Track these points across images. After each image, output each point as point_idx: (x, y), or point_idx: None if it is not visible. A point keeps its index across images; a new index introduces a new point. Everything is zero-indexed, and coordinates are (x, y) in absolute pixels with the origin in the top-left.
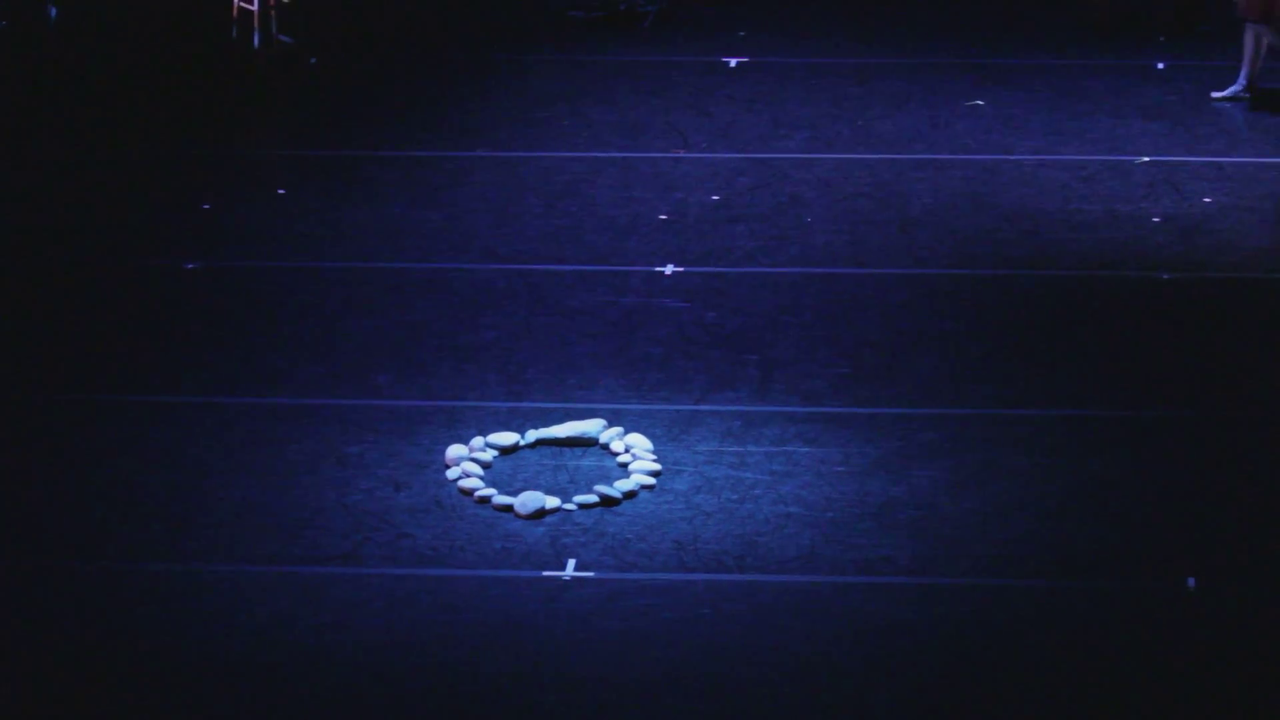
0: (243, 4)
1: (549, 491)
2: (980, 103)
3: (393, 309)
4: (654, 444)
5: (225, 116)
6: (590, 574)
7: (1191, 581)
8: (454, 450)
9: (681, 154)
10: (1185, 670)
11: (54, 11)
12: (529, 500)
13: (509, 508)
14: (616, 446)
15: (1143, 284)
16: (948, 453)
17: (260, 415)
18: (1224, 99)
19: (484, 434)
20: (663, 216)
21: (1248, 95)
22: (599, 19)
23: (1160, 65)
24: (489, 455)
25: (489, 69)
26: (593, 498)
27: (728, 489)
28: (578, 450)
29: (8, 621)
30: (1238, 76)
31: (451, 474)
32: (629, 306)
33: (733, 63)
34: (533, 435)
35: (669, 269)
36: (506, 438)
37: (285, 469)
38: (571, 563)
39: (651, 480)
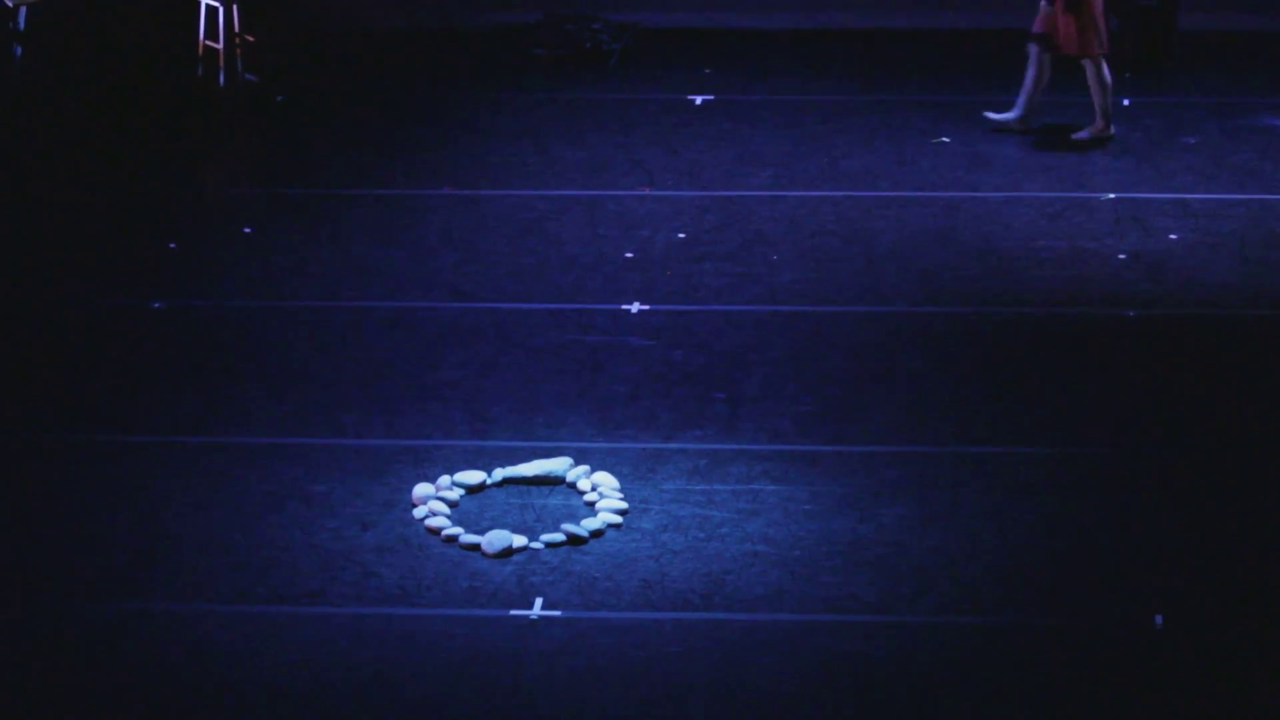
0: (209, 42)
1: (516, 530)
2: (946, 140)
3: (358, 347)
4: (621, 482)
5: (191, 154)
6: (558, 613)
7: (1159, 619)
8: (420, 489)
9: (647, 192)
10: (1153, 707)
11: (19, 49)
12: (496, 539)
13: (476, 546)
14: (583, 485)
15: (1108, 321)
16: (914, 490)
17: (226, 454)
18: (998, 122)
19: (450, 472)
20: (628, 254)
21: (1020, 126)
22: (564, 57)
23: (1126, 102)
24: (456, 494)
25: (454, 107)
26: (560, 536)
27: (695, 527)
28: (544, 489)
29: None
30: (1017, 102)
31: (418, 513)
32: (595, 345)
33: (698, 100)
34: (499, 474)
35: (635, 307)
36: (473, 476)
37: (251, 508)
38: (539, 601)
39: (618, 519)
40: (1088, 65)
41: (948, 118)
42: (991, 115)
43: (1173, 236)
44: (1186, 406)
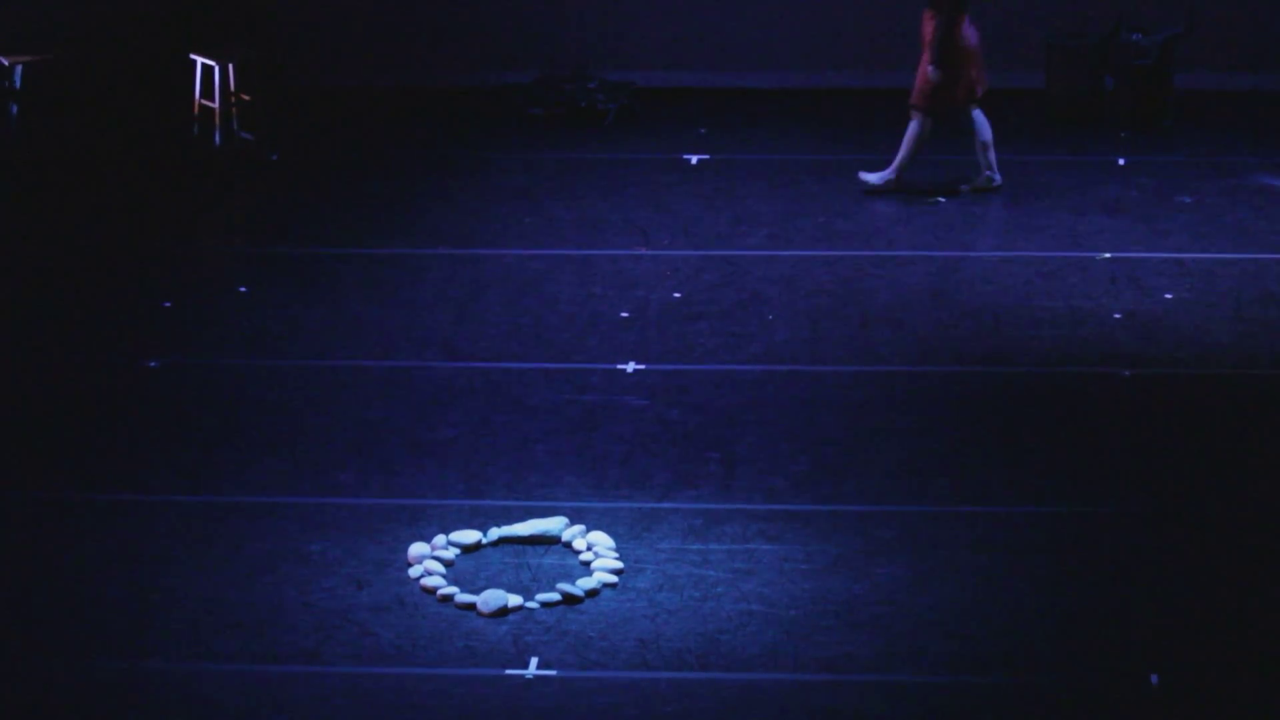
0: (204, 101)
1: (511, 589)
2: (941, 199)
3: (353, 406)
4: (616, 542)
5: (187, 213)
6: (553, 672)
7: (1155, 678)
8: (416, 548)
9: (642, 251)
10: None
11: (15, 107)
12: (491, 598)
13: (471, 606)
14: (579, 544)
15: (1104, 380)
16: (910, 549)
17: (221, 513)
18: (872, 184)
19: (446, 531)
20: (624, 314)
21: (894, 187)
22: (559, 116)
23: (1121, 161)
24: (451, 553)
25: (449, 166)
26: (555, 596)
27: (690, 586)
28: (540, 548)
29: None
30: (891, 163)
31: (414, 572)
32: (590, 404)
33: (694, 160)
34: (495, 533)
35: (630, 366)
36: (468, 535)
37: (246, 567)
38: (534, 661)
39: (614, 578)
40: (915, 118)
41: (942, 178)
42: (865, 175)
43: (1168, 296)
44: (1183, 466)
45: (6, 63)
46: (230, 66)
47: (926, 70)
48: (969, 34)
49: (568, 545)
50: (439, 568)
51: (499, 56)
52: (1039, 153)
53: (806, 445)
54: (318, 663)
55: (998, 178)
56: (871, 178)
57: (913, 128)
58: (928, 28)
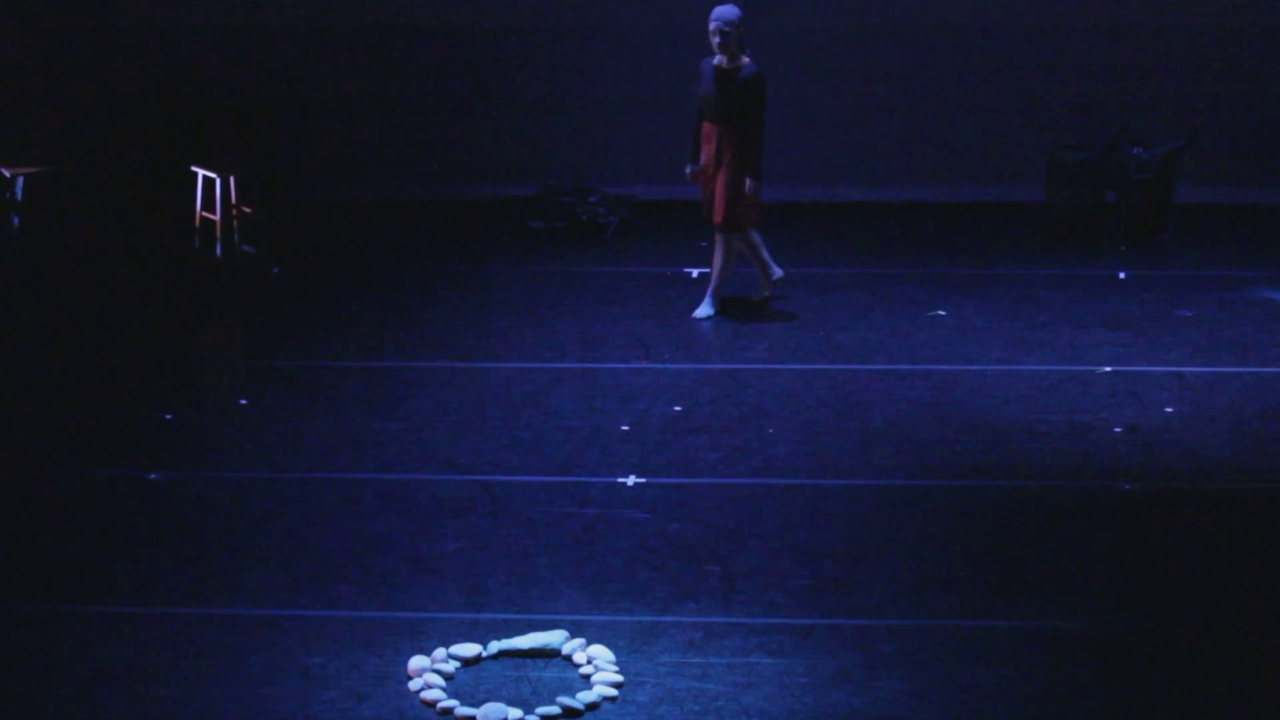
0: (205, 213)
1: (511, 703)
2: (942, 313)
3: (353, 519)
4: (616, 655)
5: (187, 326)
6: None
7: None
8: (416, 661)
9: (644, 365)
10: None
11: (16, 219)
12: (491, 712)
13: (472, 719)
14: (579, 658)
15: (1104, 494)
16: (910, 664)
17: (221, 626)
18: (703, 318)
19: (446, 645)
20: (625, 427)
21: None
22: (560, 229)
23: (1121, 275)
24: (451, 666)
25: (450, 279)
26: (555, 709)
27: (690, 700)
28: (540, 661)
29: None
30: (707, 293)
31: (414, 685)
32: (590, 518)
33: (694, 273)
34: (495, 646)
35: (631, 480)
36: (469, 649)
37: (246, 680)
38: None
39: (614, 691)
40: (736, 238)
41: (943, 291)
42: (699, 314)
43: (1169, 410)
44: (1182, 581)
45: (8, 174)
46: (231, 179)
47: (745, 184)
48: None
49: (568, 658)
50: (439, 681)
51: (500, 170)
52: (1040, 267)
53: (807, 559)
54: None
55: (778, 270)
56: (701, 310)
57: (736, 245)
58: (717, 144)
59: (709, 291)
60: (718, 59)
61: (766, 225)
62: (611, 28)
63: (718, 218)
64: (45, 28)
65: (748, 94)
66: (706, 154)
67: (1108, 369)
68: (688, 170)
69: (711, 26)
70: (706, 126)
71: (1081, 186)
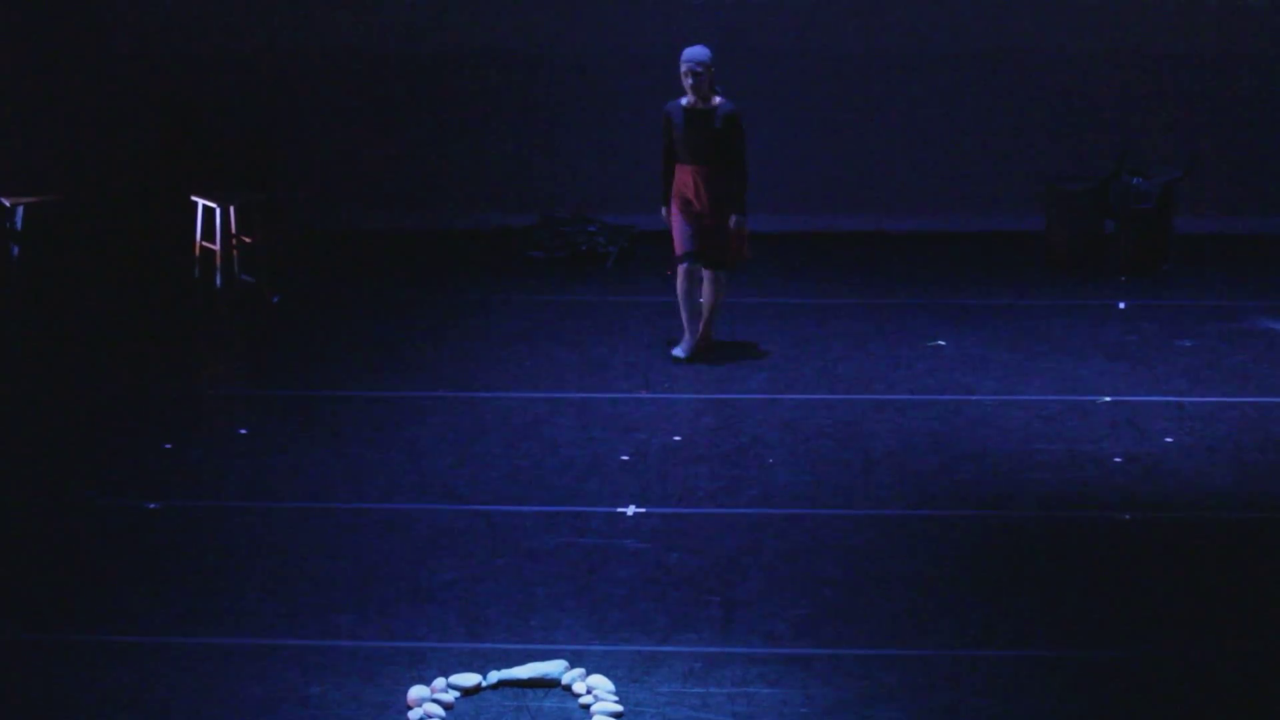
0: (205, 243)
1: None
2: (942, 343)
3: (353, 549)
4: (616, 685)
5: (187, 356)
6: None
7: None
8: (416, 691)
9: (644, 394)
10: None
11: (16, 249)
12: None
13: None
14: (579, 688)
15: (1105, 524)
16: (910, 694)
17: (220, 655)
18: (682, 359)
19: (445, 675)
20: (624, 457)
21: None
22: (560, 259)
23: (1121, 305)
24: (451, 696)
25: (450, 308)
26: None
27: None
28: (540, 691)
29: None
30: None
31: (414, 715)
32: (590, 547)
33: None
34: (494, 676)
35: (631, 510)
36: (468, 679)
37: (245, 710)
38: None
39: None
40: (723, 276)
41: (943, 321)
42: (677, 352)
43: (1169, 440)
44: (1182, 611)
45: (8, 204)
46: (232, 209)
47: (732, 221)
48: None
49: (567, 688)
50: (439, 711)
51: (500, 200)
52: (1039, 297)
53: (807, 589)
54: None
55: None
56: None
57: (721, 284)
58: (695, 184)
59: (699, 329)
60: (687, 100)
61: (766, 256)
62: (613, 59)
63: (721, 259)
64: (46, 58)
65: (728, 132)
66: (690, 194)
67: (1108, 399)
68: (663, 212)
69: (684, 68)
70: (682, 168)
71: (1081, 216)
